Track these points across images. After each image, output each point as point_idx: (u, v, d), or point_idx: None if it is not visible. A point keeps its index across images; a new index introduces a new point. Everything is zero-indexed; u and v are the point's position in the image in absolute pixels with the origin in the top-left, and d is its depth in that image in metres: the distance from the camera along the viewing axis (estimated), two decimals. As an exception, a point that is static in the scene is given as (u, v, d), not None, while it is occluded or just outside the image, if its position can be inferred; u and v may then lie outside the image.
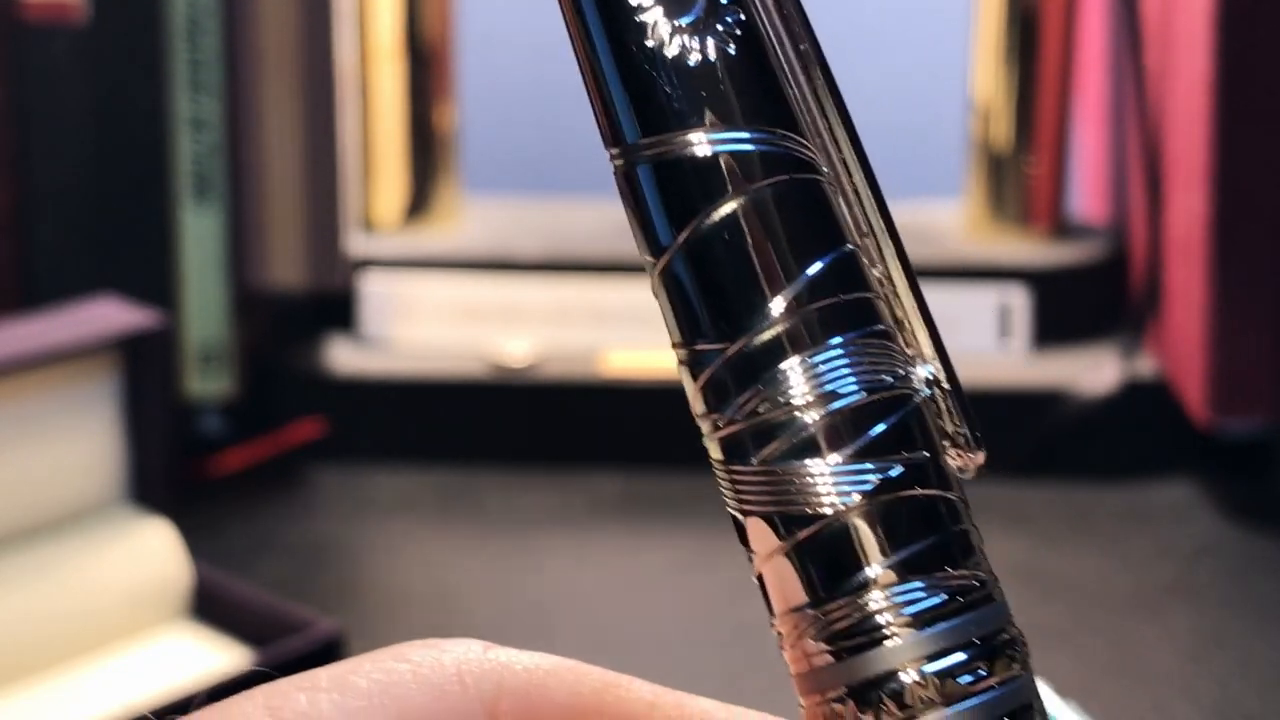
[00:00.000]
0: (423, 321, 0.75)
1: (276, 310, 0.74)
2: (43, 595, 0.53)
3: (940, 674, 0.21)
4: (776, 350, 0.21)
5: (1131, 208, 0.77)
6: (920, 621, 0.21)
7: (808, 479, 0.21)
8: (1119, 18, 0.77)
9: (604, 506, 0.69)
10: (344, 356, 0.74)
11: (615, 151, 0.22)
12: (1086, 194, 0.86)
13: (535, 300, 0.75)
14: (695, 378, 0.22)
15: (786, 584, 0.22)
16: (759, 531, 0.22)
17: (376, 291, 0.75)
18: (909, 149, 0.95)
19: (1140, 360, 0.74)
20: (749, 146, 0.21)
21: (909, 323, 0.22)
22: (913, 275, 0.23)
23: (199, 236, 0.69)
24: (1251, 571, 0.63)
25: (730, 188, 0.21)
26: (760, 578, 0.22)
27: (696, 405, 0.22)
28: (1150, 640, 0.58)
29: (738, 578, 0.52)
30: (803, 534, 0.21)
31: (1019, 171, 0.78)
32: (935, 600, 0.21)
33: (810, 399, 0.21)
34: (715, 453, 0.22)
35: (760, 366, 0.21)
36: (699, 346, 0.22)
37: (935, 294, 0.74)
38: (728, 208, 0.21)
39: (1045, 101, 0.77)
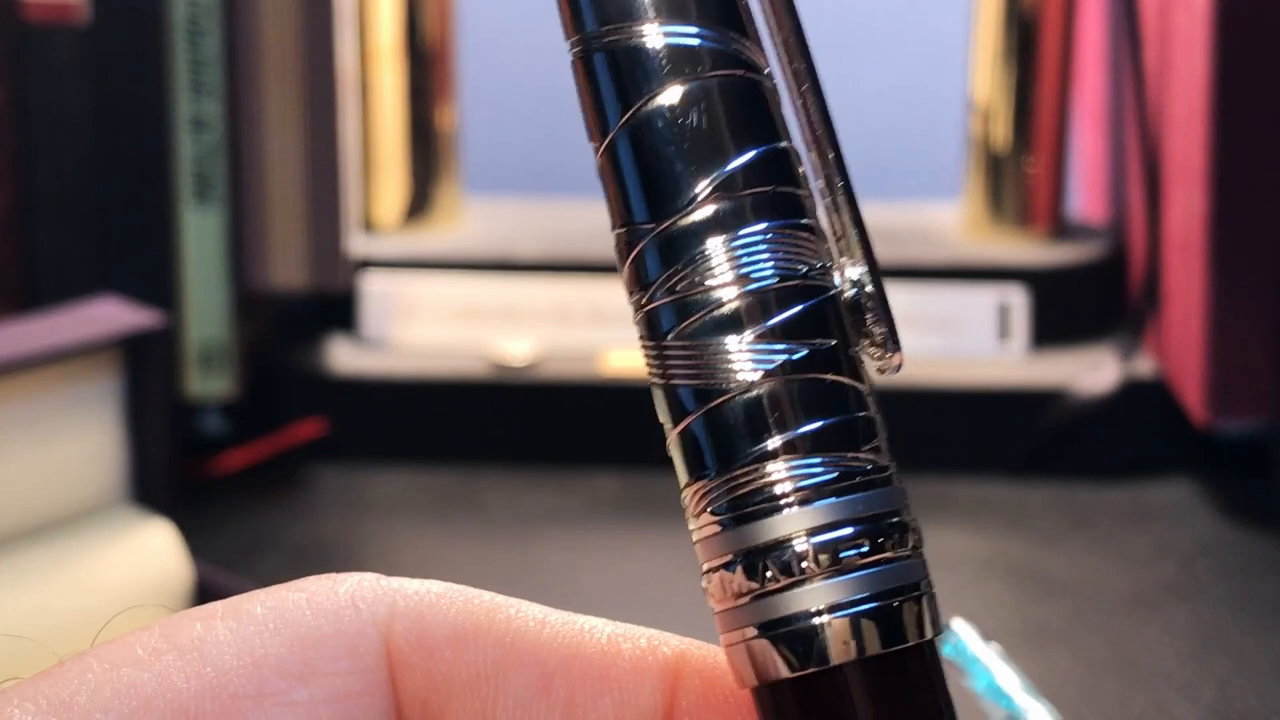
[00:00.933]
0: (423, 321, 0.75)
1: (277, 310, 0.74)
2: (43, 595, 0.53)
3: (827, 545, 0.22)
4: (702, 231, 0.22)
5: (1130, 208, 0.77)
6: (815, 494, 0.22)
7: (721, 353, 0.22)
8: (1118, 18, 0.77)
9: (604, 506, 0.69)
10: (344, 356, 0.74)
11: (574, 39, 0.23)
12: (1085, 194, 0.86)
13: (535, 300, 0.75)
14: (627, 256, 0.23)
15: (693, 453, 0.23)
16: (673, 402, 0.23)
17: (377, 291, 0.75)
18: (909, 149, 0.95)
19: (1139, 360, 0.74)
20: (698, 41, 0.23)
21: (845, 230, 0.23)
22: (850, 185, 0.24)
23: (199, 237, 0.69)
24: (1251, 571, 0.63)
25: (675, 75, 0.23)
26: (671, 448, 0.23)
27: (627, 282, 0.23)
28: (1150, 640, 0.58)
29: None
30: (712, 404, 0.22)
31: (1018, 172, 0.78)
32: (831, 476, 0.22)
33: (730, 279, 0.22)
34: (641, 328, 0.23)
35: (686, 246, 0.22)
36: (632, 225, 0.23)
37: (935, 294, 0.75)
38: (670, 93, 0.22)
39: (1044, 102, 0.77)
